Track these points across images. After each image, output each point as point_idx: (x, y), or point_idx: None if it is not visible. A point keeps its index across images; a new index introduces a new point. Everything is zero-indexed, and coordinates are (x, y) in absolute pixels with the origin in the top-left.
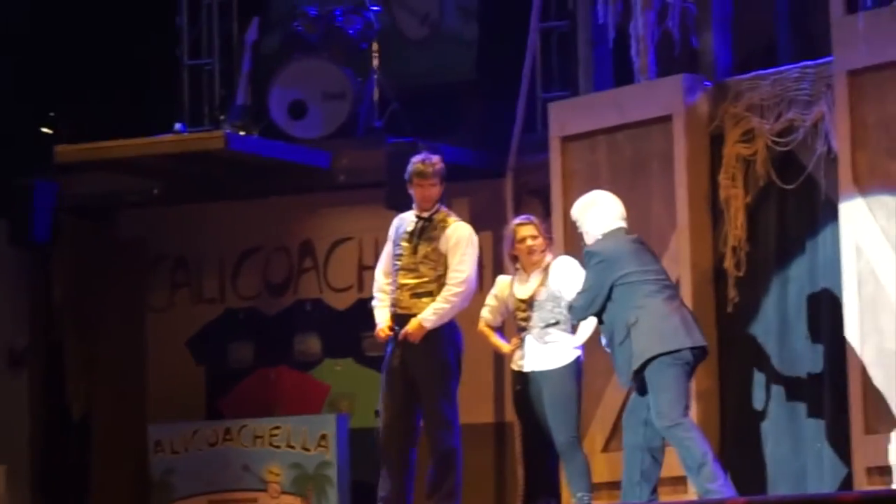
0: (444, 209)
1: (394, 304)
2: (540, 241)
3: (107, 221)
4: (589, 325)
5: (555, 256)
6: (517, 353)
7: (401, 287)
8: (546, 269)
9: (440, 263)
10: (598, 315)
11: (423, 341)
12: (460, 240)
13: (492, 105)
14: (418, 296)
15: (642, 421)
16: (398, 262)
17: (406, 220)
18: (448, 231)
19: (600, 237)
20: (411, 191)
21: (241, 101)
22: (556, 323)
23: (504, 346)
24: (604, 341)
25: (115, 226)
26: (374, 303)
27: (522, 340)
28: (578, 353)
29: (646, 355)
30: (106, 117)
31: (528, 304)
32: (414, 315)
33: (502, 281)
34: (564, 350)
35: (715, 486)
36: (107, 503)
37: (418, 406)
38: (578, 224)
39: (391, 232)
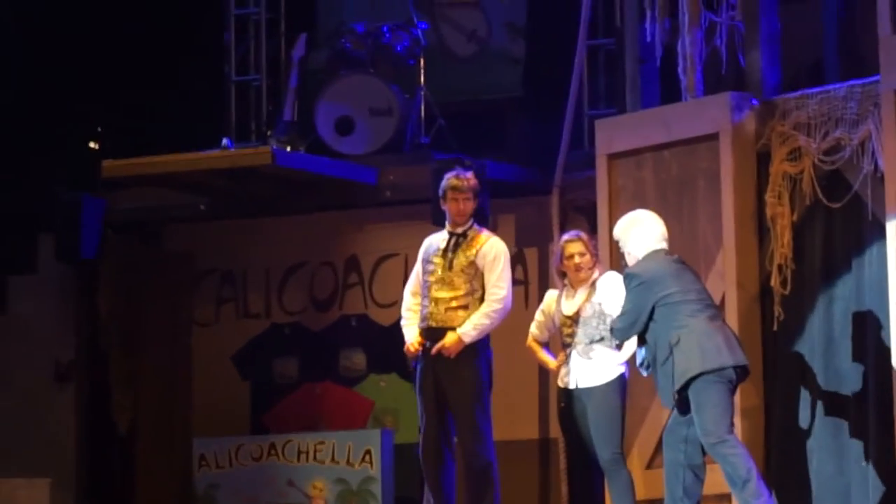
0: (476, 226)
1: (426, 318)
2: (587, 258)
3: (153, 236)
4: (634, 342)
5: (602, 273)
6: (562, 370)
7: (435, 301)
8: (593, 285)
9: (476, 278)
10: (641, 335)
11: (455, 356)
12: (498, 255)
13: (538, 122)
14: (454, 309)
15: (683, 438)
16: (430, 278)
17: (436, 239)
18: (486, 247)
19: (641, 258)
20: (445, 206)
21: (288, 117)
22: (602, 339)
23: (551, 361)
24: (638, 360)
25: (162, 241)
26: (402, 322)
27: (568, 357)
28: (623, 369)
29: (689, 374)
30: (153, 133)
31: (574, 319)
32: (449, 328)
33: (550, 296)
34: (609, 366)
35: (759, 503)
36: None
37: (452, 421)
38: (620, 244)
39: (420, 252)
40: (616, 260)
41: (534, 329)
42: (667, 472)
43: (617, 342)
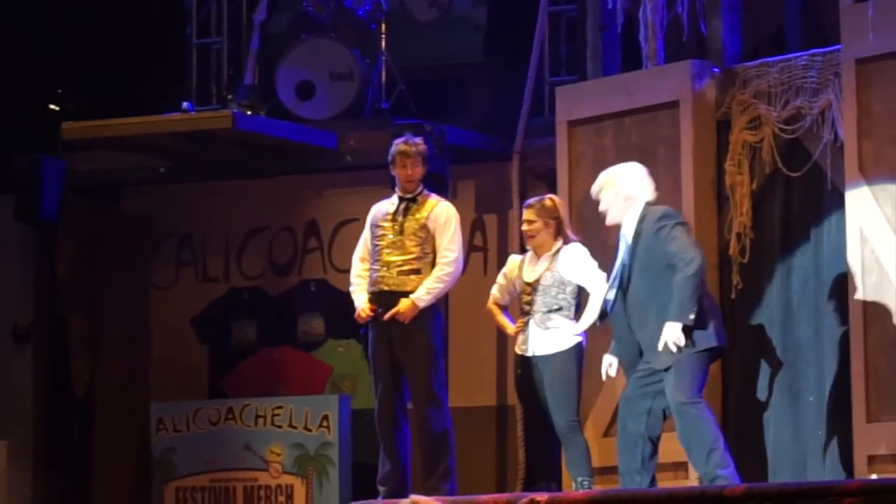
0: (426, 190)
1: (378, 282)
2: (536, 225)
3: (113, 199)
4: (592, 312)
5: (566, 242)
6: (520, 337)
7: (387, 265)
8: (555, 255)
9: (427, 241)
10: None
11: (410, 321)
12: (449, 219)
13: (499, 88)
14: (406, 273)
15: (646, 410)
16: (381, 242)
17: (385, 205)
18: (436, 210)
19: (650, 201)
20: (394, 172)
21: (249, 81)
22: (559, 308)
23: (509, 326)
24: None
25: (121, 203)
26: (351, 288)
27: (526, 324)
28: (580, 338)
29: (707, 344)
30: (114, 95)
31: (534, 287)
32: (403, 293)
33: (513, 261)
34: (566, 335)
35: (725, 473)
36: (109, 480)
37: (407, 386)
38: (613, 190)
39: (368, 218)
40: (577, 226)
41: (495, 291)
42: (624, 442)
43: (695, 279)
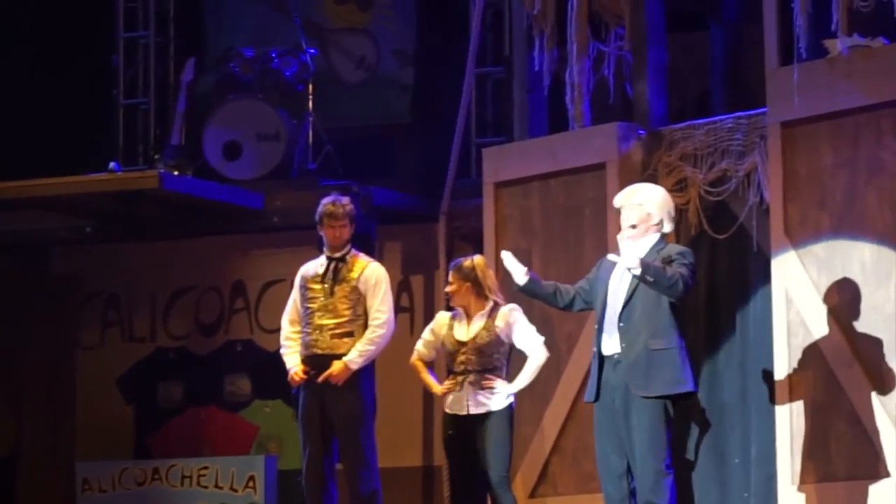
0: (353, 250)
1: (311, 346)
2: (453, 287)
3: (39, 258)
4: (526, 372)
5: (499, 302)
6: (450, 397)
7: (319, 328)
8: (491, 314)
9: (359, 303)
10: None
11: (343, 383)
12: (379, 280)
13: (426, 149)
14: (339, 336)
15: (621, 473)
16: (312, 305)
17: (313, 266)
18: (367, 272)
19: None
20: (322, 232)
21: (176, 141)
22: (495, 368)
23: (435, 385)
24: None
25: (47, 263)
26: (283, 350)
27: (460, 384)
28: (511, 399)
29: (684, 388)
30: (39, 155)
31: (469, 346)
32: (336, 355)
33: (441, 317)
34: (501, 395)
35: None
36: None
37: (337, 448)
38: (646, 209)
39: (297, 279)
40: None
41: (420, 347)
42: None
43: (681, 292)
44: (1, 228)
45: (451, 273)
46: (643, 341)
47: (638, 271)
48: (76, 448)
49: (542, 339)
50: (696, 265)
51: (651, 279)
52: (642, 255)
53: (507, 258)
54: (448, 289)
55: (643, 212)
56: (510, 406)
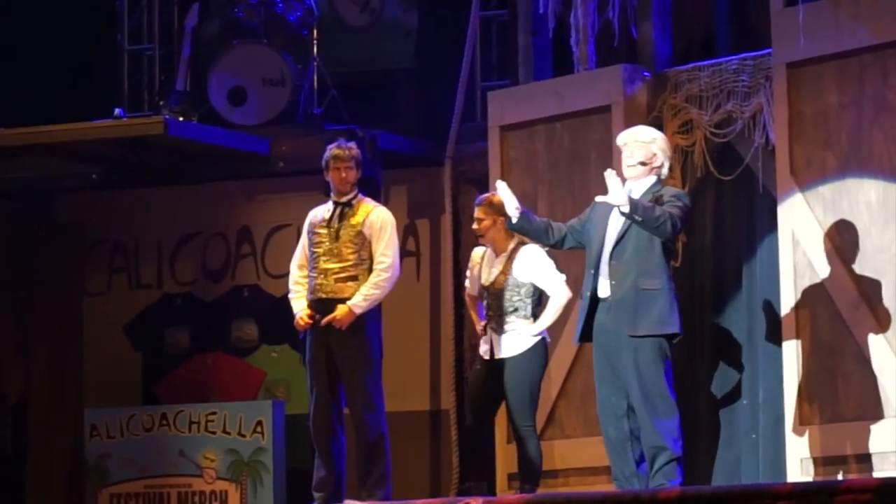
0: (360, 195)
1: (316, 290)
2: (485, 223)
3: (45, 206)
4: (550, 314)
5: (518, 243)
6: (482, 340)
7: (324, 272)
8: (510, 257)
9: (363, 247)
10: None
11: (347, 327)
12: (385, 224)
13: (431, 94)
14: (343, 280)
15: (623, 413)
16: (317, 249)
17: (321, 211)
18: (371, 216)
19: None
20: (328, 177)
21: (181, 87)
22: (515, 310)
23: (478, 322)
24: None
25: (53, 210)
26: (290, 295)
27: (485, 327)
28: (538, 339)
29: (671, 329)
30: (45, 101)
31: (490, 290)
32: (340, 299)
33: (475, 254)
34: (524, 337)
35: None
36: (43, 486)
37: (344, 391)
38: (656, 149)
39: (305, 224)
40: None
41: (467, 284)
42: (612, 449)
43: (670, 230)
44: (6, 176)
45: (479, 209)
46: (632, 280)
47: (626, 209)
48: (84, 395)
49: (563, 277)
50: (690, 207)
51: (640, 218)
52: (637, 195)
53: (502, 188)
54: (479, 225)
55: (650, 151)
56: (541, 346)
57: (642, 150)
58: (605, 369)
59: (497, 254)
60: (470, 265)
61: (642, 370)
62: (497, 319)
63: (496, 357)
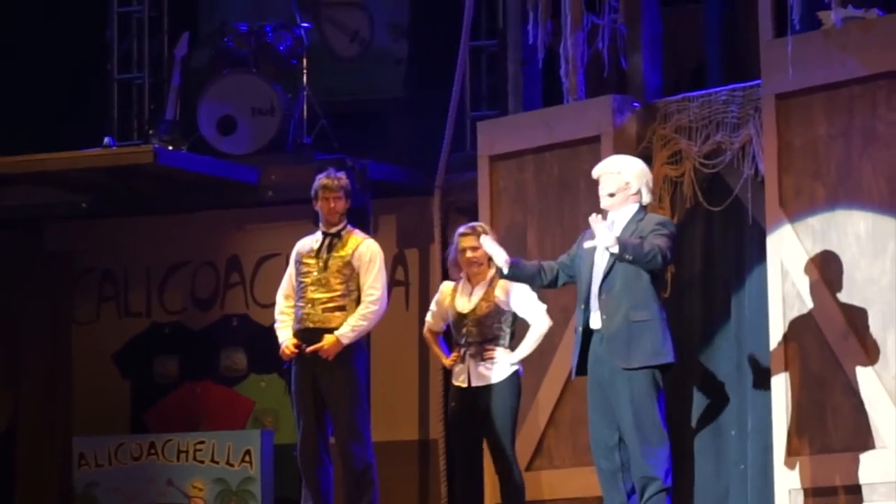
0: (349, 226)
1: (303, 319)
2: (480, 252)
3: (34, 234)
4: (528, 341)
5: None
6: (456, 368)
7: (311, 302)
8: (491, 283)
9: (352, 279)
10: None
11: (333, 357)
12: (374, 257)
13: (421, 123)
14: (331, 310)
15: (613, 444)
16: (305, 279)
17: (309, 241)
18: (361, 248)
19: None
20: (317, 206)
21: (171, 116)
22: (495, 338)
23: (444, 357)
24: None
25: (43, 238)
26: (276, 325)
27: (462, 355)
28: (517, 367)
29: (665, 359)
30: (35, 131)
31: (469, 318)
32: (327, 329)
33: (445, 288)
34: (503, 365)
35: None
36: None
37: (330, 422)
38: (627, 179)
39: (293, 254)
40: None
41: (429, 319)
42: (604, 479)
43: (659, 262)
44: None
45: (471, 238)
46: (623, 313)
47: (616, 250)
48: (73, 423)
49: (544, 307)
50: (676, 234)
51: (630, 257)
52: (619, 230)
53: (487, 242)
54: (473, 254)
55: (621, 180)
56: (515, 375)
57: (613, 181)
58: (598, 400)
59: (474, 283)
60: (438, 299)
61: (636, 401)
62: (476, 347)
63: (473, 385)
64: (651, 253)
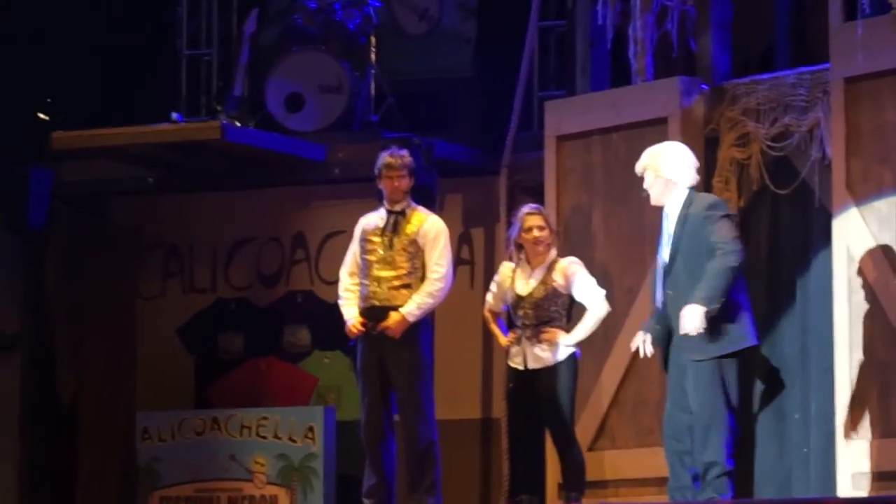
0: (413, 203)
1: (369, 298)
2: (546, 232)
3: (101, 209)
4: (586, 325)
5: (557, 254)
6: (512, 350)
7: (377, 280)
8: (550, 267)
9: (417, 256)
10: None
11: (400, 335)
12: (439, 234)
13: (488, 102)
14: (397, 288)
15: (685, 428)
16: (371, 257)
17: (373, 218)
18: (426, 225)
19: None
20: (381, 185)
21: (239, 93)
22: (551, 320)
23: (502, 337)
24: (660, 298)
25: (109, 213)
26: (341, 302)
27: (519, 337)
28: (574, 350)
29: (741, 344)
30: (103, 105)
31: (527, 300)
32: (393, 307)
33: (505, 268)
34: (559, 347)
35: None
36: (94, 489)
37: (395, 400)
38: (654, 170)
39: (357, 231)
40: (564, 240)
41: (489, 299)
42: (672, 460)
43: (735, 263)
44: (64, 179)
45: (538, 217)
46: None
47: (709, 310)
48: (136, 398)
49: (603, 292)
50: (729, 213)
51: (717, 305)
52: (673, 215)
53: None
54: (540, 234)
55: (650, 177)
56: (573, 358)
57: (645, 181)
58: (675, 383)
59: (533, 265)
60: (498, 280)
61: (702, 391)
62: (533, 329)
63: (529, 367)
64: (727, 275)
